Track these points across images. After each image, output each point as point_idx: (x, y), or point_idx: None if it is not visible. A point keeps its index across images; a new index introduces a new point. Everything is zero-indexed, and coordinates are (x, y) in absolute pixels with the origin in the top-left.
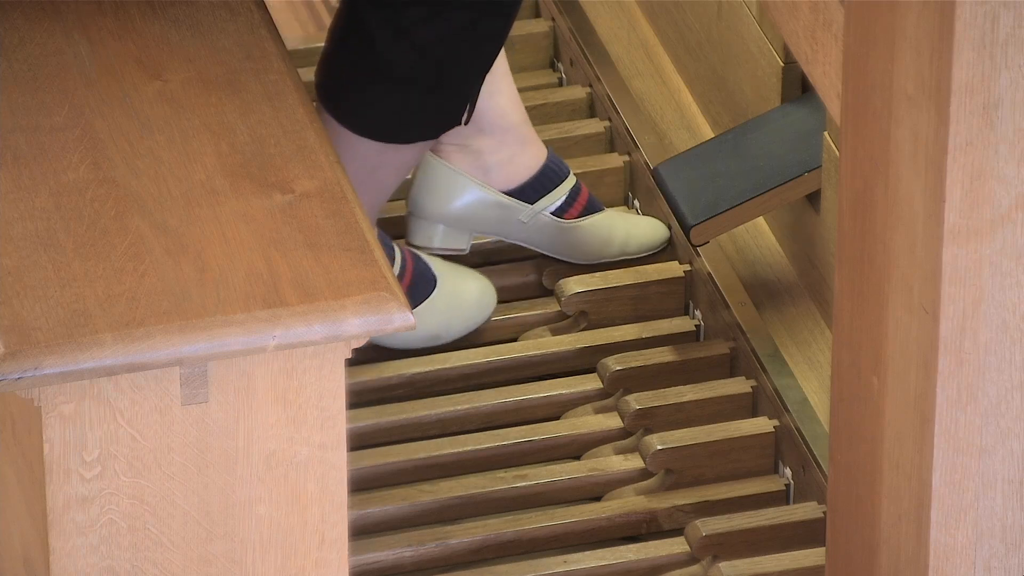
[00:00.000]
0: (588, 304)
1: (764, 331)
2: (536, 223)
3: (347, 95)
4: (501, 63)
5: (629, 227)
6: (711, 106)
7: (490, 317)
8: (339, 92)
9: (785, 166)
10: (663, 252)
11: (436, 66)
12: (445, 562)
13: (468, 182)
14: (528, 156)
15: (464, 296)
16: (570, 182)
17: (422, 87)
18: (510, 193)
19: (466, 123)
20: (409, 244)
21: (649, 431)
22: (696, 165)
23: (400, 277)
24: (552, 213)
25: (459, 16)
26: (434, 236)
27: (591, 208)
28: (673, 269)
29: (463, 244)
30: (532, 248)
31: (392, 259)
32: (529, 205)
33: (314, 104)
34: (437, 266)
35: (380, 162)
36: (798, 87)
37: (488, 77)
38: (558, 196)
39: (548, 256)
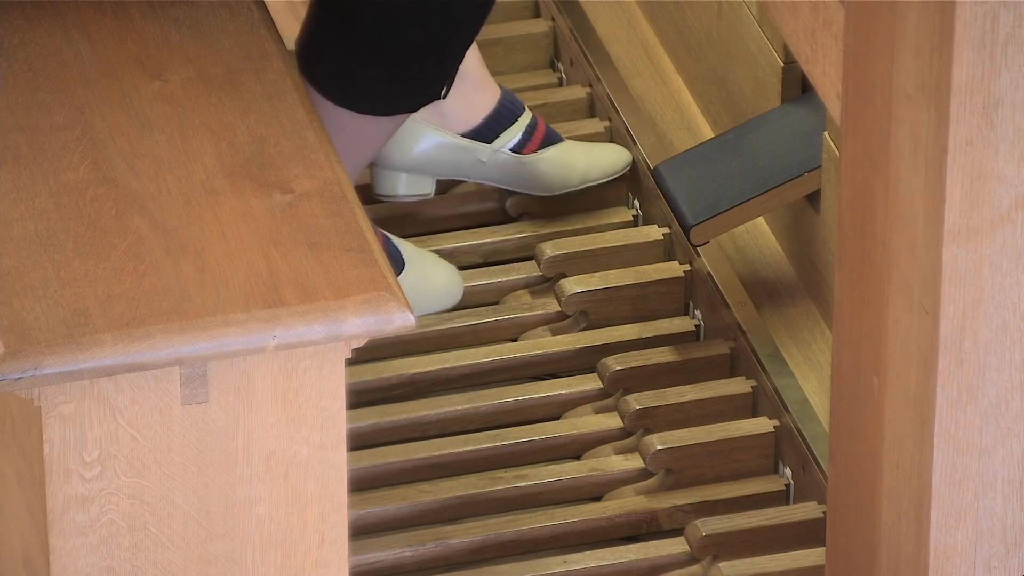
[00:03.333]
0: (588, 304)
1: (764, 331)
2: (496, 161)
3: (326, 68)
4: None
5: (589, 156)
6: (711, 106)
7: (456, 304)
8: (318, 64)
9: (785, 166)
10: (663, 252)
11: (414, 42)
12: (445, 562)
13: (426, 128)
14: (483, 97)
15: (431, 280)
16: (526, 117)
17: (400, 62)
18: (468, 135)
19: (444, 97)
20: (376, 194)
21: (649, 431)
22: (696, 165)
23: None
24: (511, 150)
25: None
26: (398, 184)
27: (549, 140)
28: (673, 269)
29: (427, 188)
30: (494, 184)
31: None
32: (487, 144)
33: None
34: (408, 251)
35: (359, 131)
36: (798, 87)
37: None
38: (515, 133)
39: (554, 255)
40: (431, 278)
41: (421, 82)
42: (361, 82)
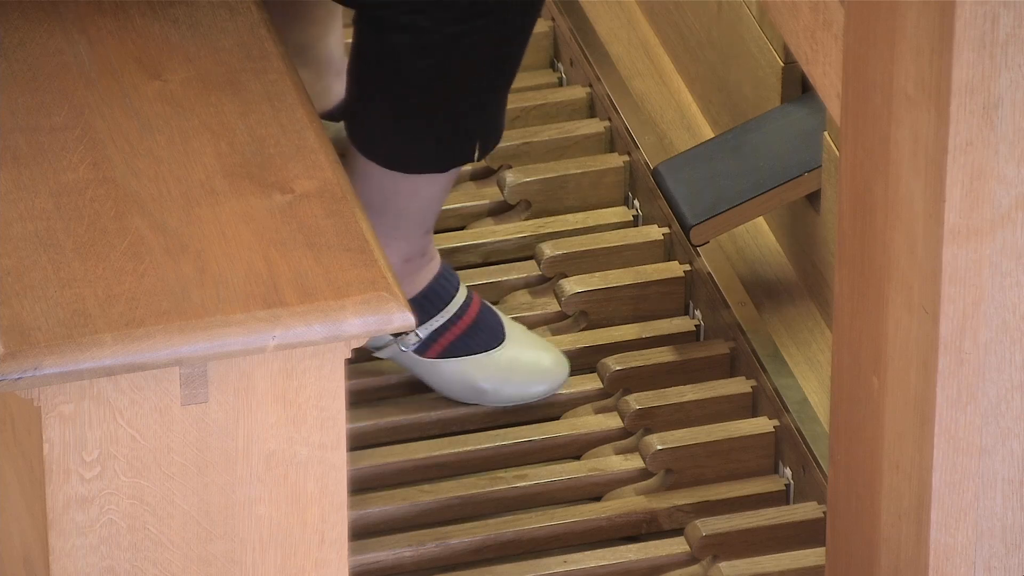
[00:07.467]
0: (588, 304)
1: (764, 331)
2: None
3: (354, 118)
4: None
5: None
6: (711, 106)
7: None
8: (349, 114)
9: (785, 166)
10: (663, 252)
11: (428, 97)
12: (445, 562)
13: None
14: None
15: (532, 364)
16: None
17: (417, 118)
18: None
19: (478, 159)
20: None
21: (649, 431)
22: (696, 165)
23: (451, 323)
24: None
25: (448, 48)
26: None
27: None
28: (673, 269)
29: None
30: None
31: (446, 303)
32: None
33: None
34: (512, 329)
35: (393, 189)
36: (798, 87)
37: (323, 16)
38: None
39: (554, 255)
40: (532, 360)
41: (440, 142)
42: (382, 137)
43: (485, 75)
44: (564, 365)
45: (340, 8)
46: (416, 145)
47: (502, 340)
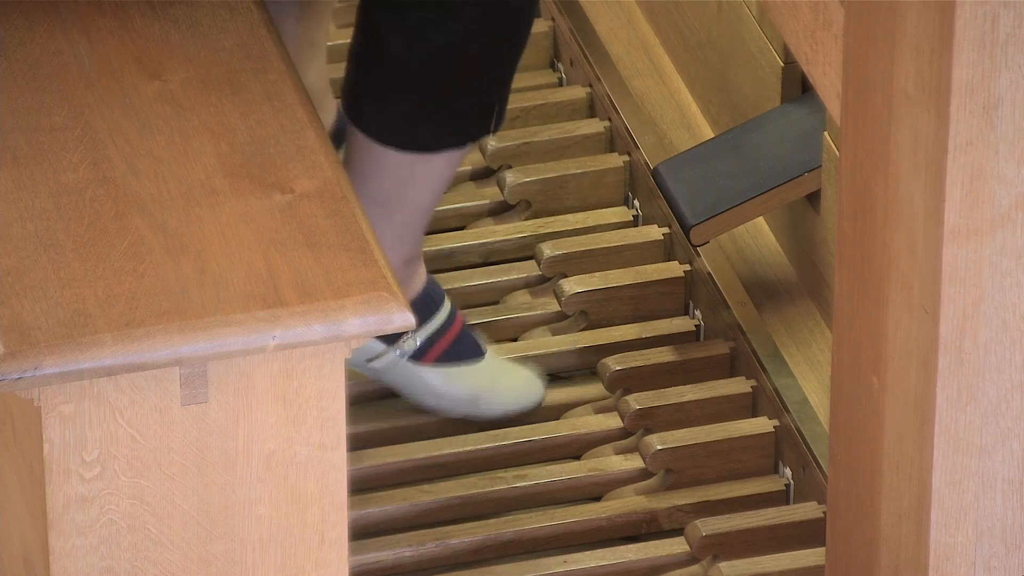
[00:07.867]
0: (588, 304)
1: (764, 331)
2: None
3: (367, 103)
4: (320, 35)
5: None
6: (711, 106)
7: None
8: (360, 100)
9: (785, 166)
10: (663, 252)
11: (449, 71)
12: (445, 562)
13: None
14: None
15: (517, 375)
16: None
17: (438, 93)
18: None
19: (494, 132)
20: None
21: (649, 431)
22: (696, 165)
23: (445, 329)
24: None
25: (468, 18)
26: None
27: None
28: (673, 269)
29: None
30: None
31: (439, 307)
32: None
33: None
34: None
35: (409, 175)
36: (798, 87)
37: (305, 56)
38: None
39: (554, 255)
40: (509, 371)
41: (461, 116)
42: (399, 117)
43: (501, 50)
44: (539, 380)
45: (323, 44)
46: (439, 123)
47: (484, 352)
